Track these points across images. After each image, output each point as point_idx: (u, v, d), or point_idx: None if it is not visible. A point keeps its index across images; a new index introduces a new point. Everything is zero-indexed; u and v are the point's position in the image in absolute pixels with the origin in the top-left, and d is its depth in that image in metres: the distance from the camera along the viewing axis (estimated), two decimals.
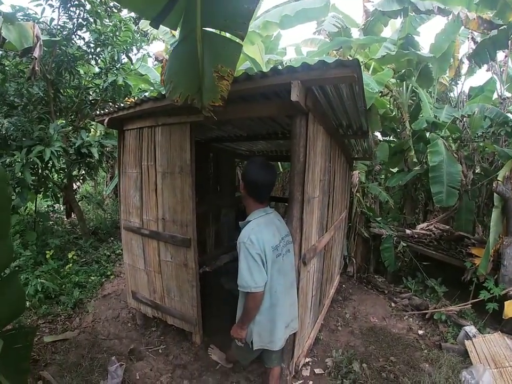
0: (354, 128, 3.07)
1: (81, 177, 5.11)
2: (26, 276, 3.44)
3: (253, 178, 1.74)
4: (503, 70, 5.90)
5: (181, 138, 2.44)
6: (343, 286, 4.38)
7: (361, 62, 5.53)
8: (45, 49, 3.81)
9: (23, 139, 3.57)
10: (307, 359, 2.68)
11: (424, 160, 5.57)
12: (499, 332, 2.87)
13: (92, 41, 4.22)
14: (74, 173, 4.72)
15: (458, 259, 3.90)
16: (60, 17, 3.98)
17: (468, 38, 5.87)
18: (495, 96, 5.89)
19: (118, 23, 4.29)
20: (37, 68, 3.17)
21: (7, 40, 3.01)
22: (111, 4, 4.26)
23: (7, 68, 3.88)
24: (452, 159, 4.77)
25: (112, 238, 5.29)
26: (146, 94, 5.52)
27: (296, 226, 1.96)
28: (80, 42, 4.26)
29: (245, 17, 1.43)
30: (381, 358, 2.75)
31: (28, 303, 3.16)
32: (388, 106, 5.90)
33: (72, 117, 4.76)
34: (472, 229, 4.83)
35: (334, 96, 2.04)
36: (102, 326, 3.09)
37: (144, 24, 5.87)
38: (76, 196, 5.55)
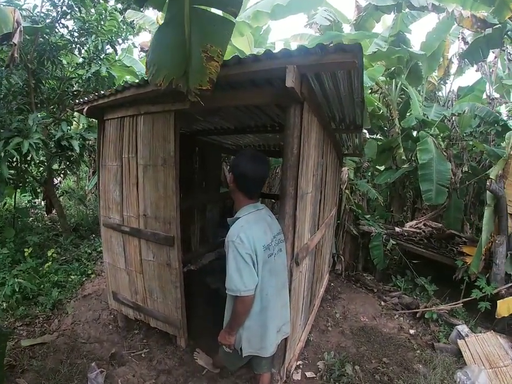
0: (347, 122, 2.97)
1: (62, 172, 4.88)
2: (3, 276, 3.28)
3: (243, 171, 1.58)
4: (492, 70, 5.97)
5: (165, 128, 2.26)
6: (332, 284, 4.30)
7: None
8: (27, 37, 3.63)
9: (1, 130, 3.36)
10: (298, 362, 2.57)
11: (412, 158, 5.57)
12: (491, 331, 2.84)
13: (76, 30, 4.05)
14: (55, 167, 4.52)
15: (448, 257, 3.89)
16: (44, 4, 3.79)
17: (458, 37, 5.89)
18: (484, 96, 5.94)
19: (103, 11, 4.12)
20: (16, 55, 2.97)
21: None
22: None
23: None
24: (441, 157, 4.78)
25: (94, 235, 5.07)
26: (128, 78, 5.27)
27: (288, 224, 1.83)
28: (64, 31, 4.07)
29: None
30: (374, 360, 2.68)
31: (4, 304, 3.01)
32: (376, 104, 5.86)
33: (54, 108, 4.53)
34: (460, 227, 4.87)
35: (329, 85, 1.91)
36: (82, 329, 2.92)
37: (131, 14, 5.63)
38: (56, 191, 5.32)
